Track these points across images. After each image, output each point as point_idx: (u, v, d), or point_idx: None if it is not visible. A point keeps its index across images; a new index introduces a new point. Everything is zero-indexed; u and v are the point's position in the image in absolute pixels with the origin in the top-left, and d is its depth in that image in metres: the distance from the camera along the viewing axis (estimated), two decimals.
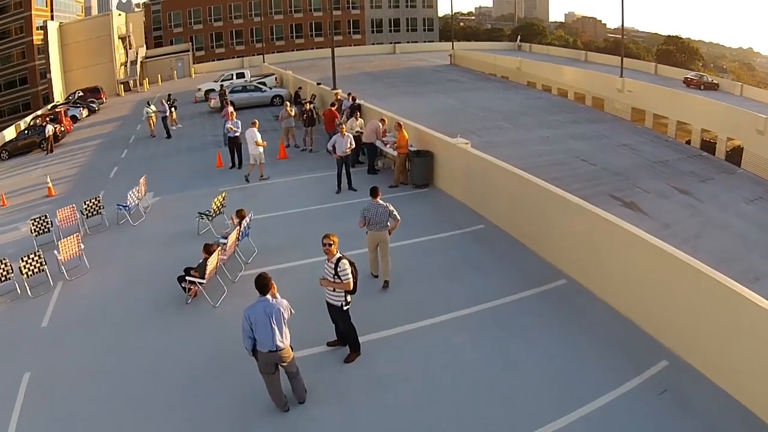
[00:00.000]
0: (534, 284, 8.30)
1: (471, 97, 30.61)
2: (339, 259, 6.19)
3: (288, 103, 18.60)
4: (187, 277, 8.10)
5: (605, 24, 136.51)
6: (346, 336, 6.65)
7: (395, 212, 8.17)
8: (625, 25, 37.49)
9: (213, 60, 56.87)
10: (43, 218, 11.41)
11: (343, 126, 13.56)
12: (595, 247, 8.02)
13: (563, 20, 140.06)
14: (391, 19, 70.04)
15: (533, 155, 18.62)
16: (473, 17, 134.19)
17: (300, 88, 25.30)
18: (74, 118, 29.85)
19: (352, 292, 6.35)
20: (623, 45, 38.71)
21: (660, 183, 17.56)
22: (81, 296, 9.00)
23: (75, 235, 10.11)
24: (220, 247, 8.63)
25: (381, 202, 8.18)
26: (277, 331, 5.47)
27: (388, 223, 8.15)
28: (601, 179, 17.32)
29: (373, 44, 64.20)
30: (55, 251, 9.58)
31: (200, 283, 8.08)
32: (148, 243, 10.97)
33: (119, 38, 47.54)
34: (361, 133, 14.70)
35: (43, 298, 9.00)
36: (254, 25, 61.74)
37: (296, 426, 5.78)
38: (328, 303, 6.47)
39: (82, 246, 9.95)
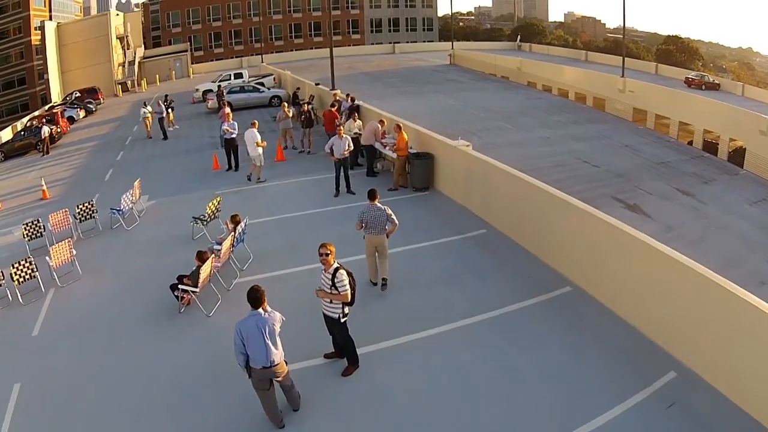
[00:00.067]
0: (538, 292, 8.08)
1: (471, 97, 30.40)
2: (336, 270, 5.96)
3: (285, 104, 18.35)
4: (179, 286, 7.88)
5: (605, 24, 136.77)
6: (343, 348, 6.43)
7: (393, 216, 8.01)
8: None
9: (212, 60, 56.64)
10: (35, 223, 11.21)
11: (341, 128, 13.34)
12: (599, 253, 7.80)
13: (563, 20, 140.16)
14: (390, 19, 69.86)
15: (534, 156, 18.42)
16: (472, 17, 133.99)
17: (298, 88, 25.08)
18: (71, 119, 29.68)
19: (350, 303, 6.13)
20: (624, 45, 38.51)
21: (662, 184, 17.36)
22: (73, 304, 8.79)
23: (67, 240, 9.89)
24: (213, 255, 8.40)
25: (379, 205, 8.04)
26: (271, 346, 5.24)
27: (386, 227, 7.98)
28: (603, 181, 17.12)
29: (373, 44, 64.02)
30: (47, 257, 9.38)
31: (193, 292, 7.86)
32: (141, 248, 10.75)
33: (117, 38, 47.34)
34: (360, 134, 14.49)
35: (34, 305, 8.80)
36: (253, 25, 61.53)
37: None
38: (324, 315, 6.24)
39: (74, 252, 9.74)
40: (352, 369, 6.43)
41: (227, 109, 17.06)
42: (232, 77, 33.22)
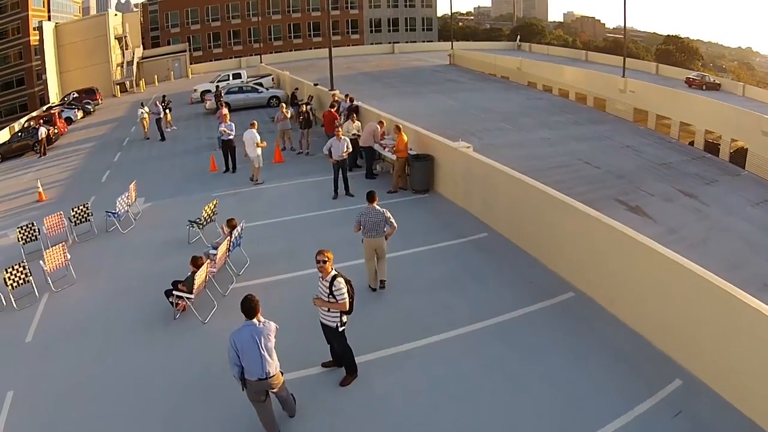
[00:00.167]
0: (540, 298, 7.93)
1: (471, 97, 30.25)
2: (334, 278, 5.79)
3: (284, 105, 18.20)
4: (174, 292, 7.73)
5: (604, 24, 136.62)
6: (341, 357, 6.27)
7: (392, 219, 7.89)
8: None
9: (210, 60, 56.48)
10: (30, 226, 11.05)
11: (339, 129, 13.18)
12: (603, 258, 7.66)
13: (562, 20, 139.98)
14: (389, 19, 69.69)
15: (535, 158, 18.27)
16: (472, 17, 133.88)
17: (297, 88, 24.93)
18: (69, 120, 29.53)
19: (348, 312, 5.96)
20: (625, 45, 38.36)
21: (664, 186, 17.22)
22: (67, 309, 8.63)
23: (61, 244, 9.73)
24: (208, 260, 8.24)
25: (378, 207, 7.92)
26: (266, 357, 5.08)
27: (385, 230, 7.85)
28: (605, 182, 16.97)
29: (372, 44, 63.87)
30: (41, 261, 9.22)
31: (188, 298, 7.70)
32: (136, 252, 10.59)
33: (115, 39, 47.16)
34: (359, 135, 14.34)
35: (28, 310, 8.65)
36: (252, 25, 61.33)
37: None
38: (322, 323, 6.07)
39: (69, 256, 9.58)
40: (350, 379, 6.27)
41: (225, 110, 16.91)
42: (231, 77, 33.07)
